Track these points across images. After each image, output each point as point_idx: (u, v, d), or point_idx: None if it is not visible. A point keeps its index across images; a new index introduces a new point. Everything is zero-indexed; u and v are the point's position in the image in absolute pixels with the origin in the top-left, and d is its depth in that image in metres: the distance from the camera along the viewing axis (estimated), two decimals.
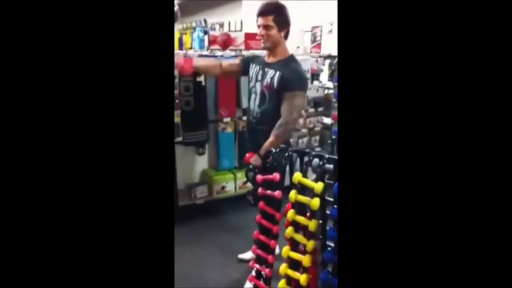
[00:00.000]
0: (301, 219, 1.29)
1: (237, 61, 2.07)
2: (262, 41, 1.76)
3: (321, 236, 1.26)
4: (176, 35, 5.10)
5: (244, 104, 2.70)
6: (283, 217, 1.38)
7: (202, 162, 2.89)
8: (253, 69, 1.87)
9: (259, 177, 1.47)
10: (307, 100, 3.11)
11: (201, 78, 2.55)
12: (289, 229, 1.33)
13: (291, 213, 1.32)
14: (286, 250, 1.34)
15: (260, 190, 1.47)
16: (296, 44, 3.60)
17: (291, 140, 2.90)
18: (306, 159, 1.32)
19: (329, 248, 1.23)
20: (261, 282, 1.50)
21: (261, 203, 1.47)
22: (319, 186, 1.20)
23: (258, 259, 1.52)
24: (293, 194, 1.30)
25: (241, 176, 2.80)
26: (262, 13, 1.71)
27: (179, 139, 2.53)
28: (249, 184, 2.43)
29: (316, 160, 1.27)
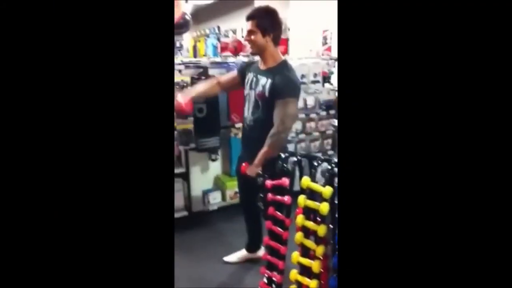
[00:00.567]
0: (310, 224, 1.28)
1: (235, 72, 2.03)
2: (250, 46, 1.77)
3: (331, 241, 1.25)
4: (191, 43, 5.17)
5: None
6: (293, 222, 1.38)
7: (215, 168, 2.91)
8: (248, 77, 1.85)
9: (268, 182, 1.47)
10: (318, 103, 3.09)
11: None
12: (299, 235, 1.32)
13: (300, 218, 1.31)
14: (295, 256, 1.33)
15: (269, 195, 1.47)
16: (310, 47, 3.59)
17: (295, 145, 2.90)
18: (315, 163, 1.31)
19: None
20: None
21: (270, 209, 1.46)
22: (327, 191, 1.20)
23: (269, 265, 1.51)
24: (302, 199, 1.29)
25: None
26: (247, 17, 1.70)
27: (193, 145, 2.57)
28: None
29: (324, 164, 1.27)
